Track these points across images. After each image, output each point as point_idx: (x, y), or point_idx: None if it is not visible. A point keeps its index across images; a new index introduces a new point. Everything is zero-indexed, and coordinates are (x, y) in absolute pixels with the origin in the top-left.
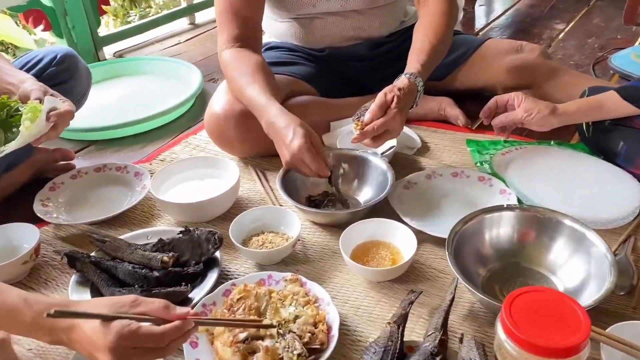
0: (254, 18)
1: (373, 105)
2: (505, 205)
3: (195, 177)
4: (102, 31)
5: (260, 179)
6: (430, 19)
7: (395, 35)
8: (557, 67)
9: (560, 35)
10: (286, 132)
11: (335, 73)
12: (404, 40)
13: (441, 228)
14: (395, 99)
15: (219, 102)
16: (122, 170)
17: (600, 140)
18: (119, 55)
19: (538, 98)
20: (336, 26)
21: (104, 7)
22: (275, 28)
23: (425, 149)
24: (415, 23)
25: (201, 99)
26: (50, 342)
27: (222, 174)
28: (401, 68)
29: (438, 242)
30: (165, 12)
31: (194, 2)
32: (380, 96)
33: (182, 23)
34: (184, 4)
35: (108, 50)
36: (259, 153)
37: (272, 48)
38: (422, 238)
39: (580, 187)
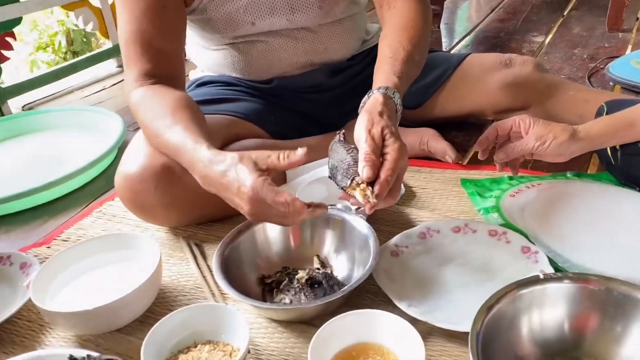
0: (173, 49)
1: (365, 154)
2: (542, 276)
3: (102, 264)
4: (8, 80)
5: (195, 257)
6: (401, 21)
7: (358, 57)
8: (557, 80)
9: (543, 49)
10: (229, 177)
11: (287, 108)
12: (369, 64)
13: (452, 313)
14: (386, 131)
15: (132, 157)
16: (4, 261)
17: (632, 167)
18: (29, 107)
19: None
20: (284, 50)
21: (4, 52)
22: (207, 58)
23: (410, 195)
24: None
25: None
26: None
27: (138, 256)
28: None
29: (451, 336)
30: (85, 55)
31: None
32: (363, 137)
33: (109, 66)
34: (108, 44)
35: (16, 103)
36: (193, 220)
37: (204, 84)
38: (426, 330)
39: (627, 233)
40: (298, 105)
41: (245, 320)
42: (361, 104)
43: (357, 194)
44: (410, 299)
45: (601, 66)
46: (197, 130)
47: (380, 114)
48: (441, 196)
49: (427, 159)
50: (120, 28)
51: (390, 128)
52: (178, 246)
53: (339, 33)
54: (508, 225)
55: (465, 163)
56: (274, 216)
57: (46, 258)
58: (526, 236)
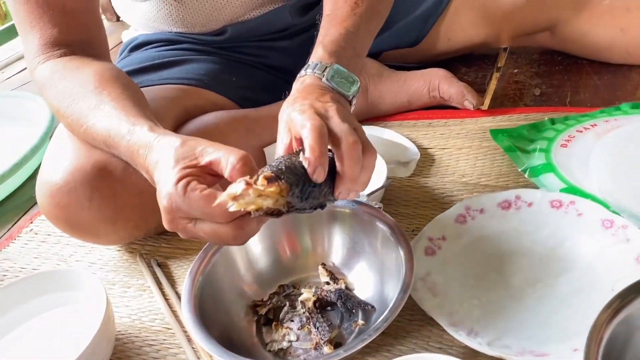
0: (84, 5)
1: (311, 144)
2: None
3: (33, 316)
4: None
5: (159, 285)
6: None
7: None
8: None
9: None
10: (157, 174)
11: (251, 64)
12: None
13: (532, 337)
14: (327, 111)
15: (53, 159)
16: None
17: None
18: None
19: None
20: None
21: None
22: (137, 13)
23: (428, 160)
24: None
25: None
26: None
27: (81, 298)
28: None
29: None
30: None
31: None
32: (287, 128)
33: None
34: None
35: None
36: (150, 231)
37: (139, 46)
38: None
39: None
40: (264, 58)
41: None
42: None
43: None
44: (466, 320)
45: None
46: (133, 108)
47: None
48: (468, 156)
49: (439, 107)
50: None
51: (329, 109)
52: (136, 269)
53: None
54: (572, 189)
55: (486, 107)
56: (207, 234)
57: None
58: (602, 203)
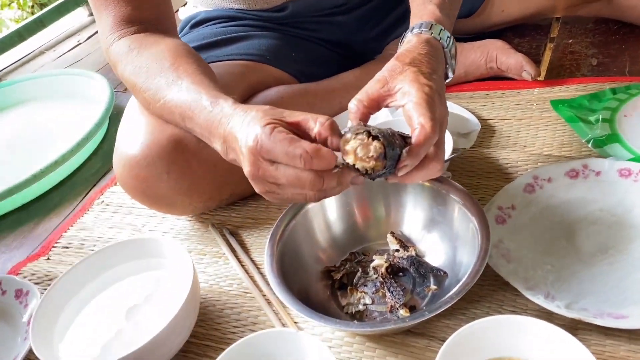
0: None
1: (423, 137)
2: None
3: (117, 283)
4: None
5: (234, 252)
6: None
7: None
8: None
9: None
10: (240, 131)
11: (309, 40)
12: None
13: (608, 300)
14: (434, 99)
15: (129, 133)
16: None
17: None
18: None
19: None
20: None
21: None
22: None
23: (488, 131)
24: None
25: (118, 123)
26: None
27: (165, 265)
28: (406, 10)
29: (609, 331)
30: (50, 6)
31: None
32: (374, 89)
33: (80, 16)
34: None
35: None
36: (222, 202)
37: (200, 23)
38: (568, 323)
39: None
40: (322, 33)
41: (329, 351)
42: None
43: (350, 156)
44: (541, 285)
45: None
46: (210, 84)
47: (411, 63)
48: (529, 127)
49: (495, 78)
50: None
51: (419, 74)
52: (209, 237)
53: None
54: (637, 157)
55: (543, 78)
56: (288, 180)
57: (46, 275)
58: None
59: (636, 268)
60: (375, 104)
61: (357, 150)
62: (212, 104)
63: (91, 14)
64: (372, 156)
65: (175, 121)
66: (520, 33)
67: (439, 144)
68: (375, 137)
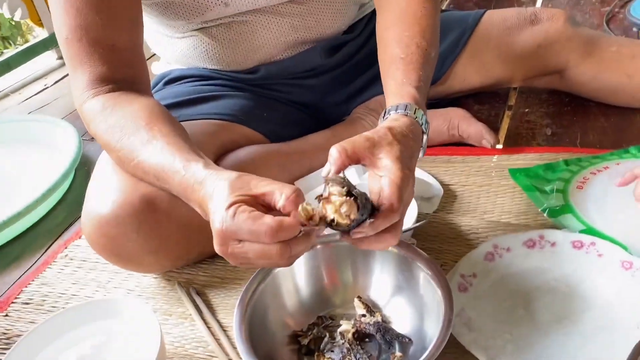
0: (130, 43)
1: (391, 202)
2: None
3: (83, 341)
4: None
5: (200, 313)
6: (408, 6)
7: (357, 28)
8: (595, 35)
9: None
10: (211, 204)
11: (281, 101)
12: (371, 35)
13: None
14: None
15: (100, 191)
16: None
17: None
18: None
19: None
20: (268, 29)
21: None
22: (172, 49)
23: (450, 196)
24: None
25: (84, 173)
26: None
27: (131, 326)
28: (375, 74)
29: None
30: (18, 48)
31: None
32: (361, 145)
33: (48, 59)
34: (44, 34)
35: None
36: (190, 261)
37: (174, 80)
38: None
39: None
40: (293, 95)
41: None
42: (380, 119)
43: (329, 207)
44: (501, 355)
45: (617, 10)
46: (184, 145)
47: (400, 142)
48: (488, 194)
49: (456, 145)
50: (57, 23)
51: (398, 145)
52: (174, 296)
53: (330, 2)
54: (591, 231)
55: (501, 146)
56: (257, 255)
57: (4, 334)
58: (621, 245)
59: (588, 340)
60: (356, 158)
61: (342, 206)
62: (184, 167)
63: (60, 57)
64: (349, 216)
65: (150, 180)
66: (480, 100)
67: (399, 223)
68: (355, 198)
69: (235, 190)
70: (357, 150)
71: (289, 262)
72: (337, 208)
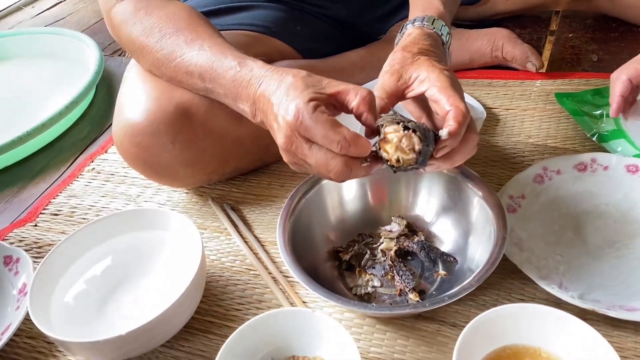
0: None
1: (457, 129)
2: None
3: (121, 250)
4: None
5: (236, 228)
6: None
7: None
8: None
9: None
10: (277, 95)
11: (315, 15)
12: None
13: (617, 292)
14: (428, 63)
15: (133, 99)
16: None
17: None
18: None
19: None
20: None
21: None
22: None
23: (494, 120)
24: None
25: (105, 88)
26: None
27: (166, 238)
28: None
29: (615, 322)
30: None
31: None
32: (391, 83)
33: None
34: None
35: None
36: (225, 176)
37: None
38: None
39: None
40: (328, 10)
41: (346, 332)
42: (395, 41)
43: (389, 147)
44: (554, 275)
45: None
46: (230, 46)
47: (420, 53)
48: (533, 118)
49: (497, 67)
50: None
51: (431, 58)
52: (208, 211)
53: None
54: None
55: (545, 70)
56: (318, 162)
57: (35, 243)
58: None
59: None
60: (395, 98)
61: (401, 141)
62: (239, 64)
63: None
64: (413, 148)
65: (192, 82)
66: (521, 24)
67: (472, 123)
68: (413, 130)
69: (310, 86)
70: (391, 91)
71: (342, 180)
72: (397, 145)
